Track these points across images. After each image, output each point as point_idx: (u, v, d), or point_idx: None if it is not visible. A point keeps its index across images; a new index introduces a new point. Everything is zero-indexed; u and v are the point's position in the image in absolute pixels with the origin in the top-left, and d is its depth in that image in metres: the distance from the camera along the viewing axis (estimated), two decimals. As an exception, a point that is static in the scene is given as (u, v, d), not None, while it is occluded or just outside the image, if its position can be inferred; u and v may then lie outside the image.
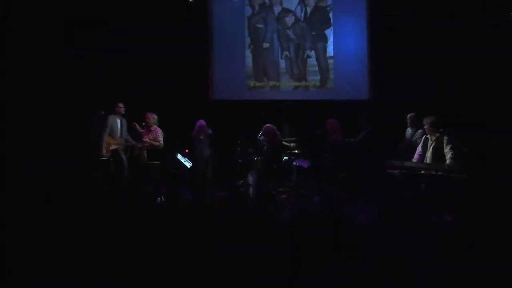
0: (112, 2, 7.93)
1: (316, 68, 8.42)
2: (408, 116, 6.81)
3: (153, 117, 6.89)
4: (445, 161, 5.25)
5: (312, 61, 8.43)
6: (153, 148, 6.86)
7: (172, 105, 7.74)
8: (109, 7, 7.86)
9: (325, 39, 8.39)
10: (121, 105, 6.78)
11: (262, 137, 7.01)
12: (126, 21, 7.99)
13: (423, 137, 5.74)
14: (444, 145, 5.32)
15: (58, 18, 7.59)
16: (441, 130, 5.54)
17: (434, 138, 5.48)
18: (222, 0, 8.59)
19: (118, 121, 6.79)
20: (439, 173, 5.16)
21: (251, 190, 6.53)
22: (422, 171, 5.30)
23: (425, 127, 5.55)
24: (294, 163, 7.04)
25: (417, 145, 5.98)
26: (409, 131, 6.81)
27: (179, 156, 6.54)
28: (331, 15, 8.38)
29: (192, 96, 8.12)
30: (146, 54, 8.03)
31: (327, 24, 8.38)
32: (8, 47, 7.51)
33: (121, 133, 6.81)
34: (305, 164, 6.92)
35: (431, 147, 5.47)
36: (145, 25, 8.04)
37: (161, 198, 6.30)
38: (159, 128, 6.95)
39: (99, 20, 7.83)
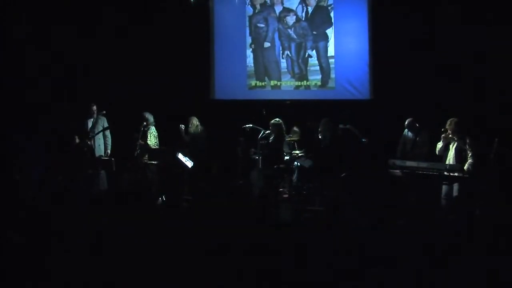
0: (112, 1, 7.91)
1: (317, 68, 8.38)
2: (406, 123, 6.73)
3: (147, 118, 6.86)
4: (466, 161, 5.28)
5: (313, 60, 8.38)
6: (146, 149, 6.81)
7: (173, 105, 7.70)
8: (109, 5, 7.85)
9: (326, 38, 8.35)
10: (93, 107, 6.94)
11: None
12: (126, 20, 7.95)
13: (443, 137, 5.65)
14: (467, 146, 5.35)
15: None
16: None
17: (456, 139, 5.47)
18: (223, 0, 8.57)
19: (90, 121, 6.93)
20: (444, 173, 5.16)
21: (253, 189, 6.51)
22: (425, 171, 5.29)
23: (448, 127, 5.52)
24: (296, 163, 7.01)
25: (422, 146, 5.98)
26: (408, 132, 6.75)
27: (180, 156, 6.52)
28: (332, 14, 8.34)
29: (193, 96, 8.09)
30: (146, 53, 8.00)
31: (328, 24, 8.35)
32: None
33: (92, 130, 6.89)
34: (306, 164, 6.89)
35: (454, 147, 5.47)
36: (146, 24, 8.01)
37: (162, 199, 6.28)
38: (154, 129, 6.92)
39: (98, 19, 7.83)
